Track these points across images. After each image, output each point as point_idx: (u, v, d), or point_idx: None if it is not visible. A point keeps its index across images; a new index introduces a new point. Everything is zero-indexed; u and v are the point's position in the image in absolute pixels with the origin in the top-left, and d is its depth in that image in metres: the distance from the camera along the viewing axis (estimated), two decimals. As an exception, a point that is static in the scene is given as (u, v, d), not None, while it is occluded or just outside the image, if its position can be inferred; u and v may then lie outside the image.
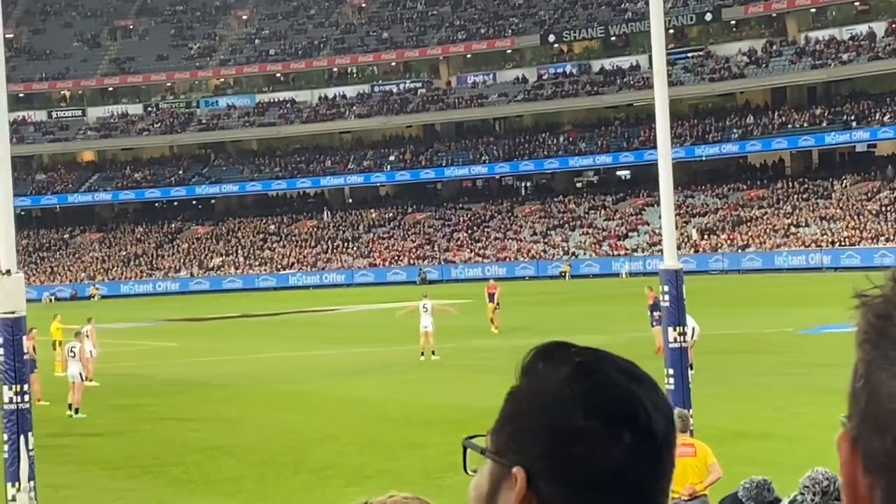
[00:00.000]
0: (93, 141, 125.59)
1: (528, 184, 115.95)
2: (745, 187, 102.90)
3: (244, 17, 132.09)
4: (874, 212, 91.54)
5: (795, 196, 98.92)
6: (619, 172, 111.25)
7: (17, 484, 13.23)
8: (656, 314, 43.35)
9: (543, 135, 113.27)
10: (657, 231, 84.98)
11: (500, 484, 2.08)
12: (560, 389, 2.06)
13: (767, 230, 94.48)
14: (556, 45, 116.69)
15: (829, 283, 61.77)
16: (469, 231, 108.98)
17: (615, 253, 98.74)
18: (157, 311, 79.30)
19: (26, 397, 13.81)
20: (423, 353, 45.89)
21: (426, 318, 46.46)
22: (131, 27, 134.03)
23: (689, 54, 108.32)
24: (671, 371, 17.67)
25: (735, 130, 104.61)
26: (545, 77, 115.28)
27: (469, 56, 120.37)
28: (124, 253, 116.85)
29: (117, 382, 42.19)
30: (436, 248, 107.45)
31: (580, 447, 2.02)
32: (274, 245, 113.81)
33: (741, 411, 29.18)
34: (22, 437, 13.41)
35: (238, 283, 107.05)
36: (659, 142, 18.26)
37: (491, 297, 56.22)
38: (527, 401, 2.11)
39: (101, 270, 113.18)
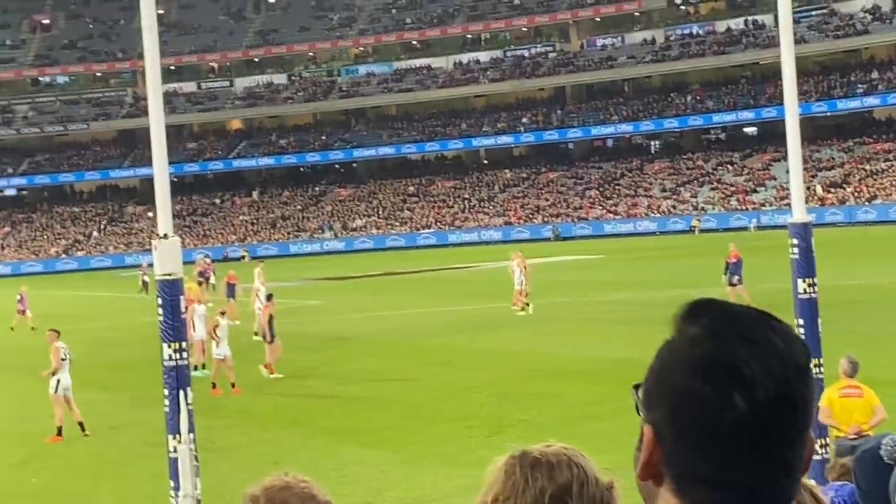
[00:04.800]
0: (240, 110, 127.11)
1: (657, 142, 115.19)
2: (870, 141, 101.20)
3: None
4: None
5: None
6: (745, 129, 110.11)
7: (177, 436, 13.46)
8: (735, 278, 43.17)
9: (671, 94, 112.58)
10: (784, 186, 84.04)
11: (643, 432, 2.11)
12: (684, 352, 2.06)
13: (894, 183, 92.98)
14: (682, 7, 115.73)
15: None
16: (600, 189, 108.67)
17: (743, 208, 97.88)
18: (303, 271, 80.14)
19: (184, 354, 14.00)
20: (517, 306, 46.50)
21: (520, 276, 47.34)
22: (274, 0, 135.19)
23: (814, 12, 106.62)
24: (801, 321, 17.53)
25: (860, 86, 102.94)
26: (672, 38, 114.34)
27: (598, 19, 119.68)
28: (272, 216, 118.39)
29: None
30: (569, 206, 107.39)
31: (696, 410, 2.02)
32: (413, 206, 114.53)
33: (870, 360, 28.78)
34: (181, 392, 13.63)
35: (401, 241, 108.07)
36: (786, 98, 18.08)
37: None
38: (660, 360, 2.12)
39: (251, 233, 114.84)
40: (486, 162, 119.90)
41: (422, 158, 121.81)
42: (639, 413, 2.15)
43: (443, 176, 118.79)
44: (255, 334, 42.81)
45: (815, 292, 18.22)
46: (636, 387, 2.14)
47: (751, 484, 2.04)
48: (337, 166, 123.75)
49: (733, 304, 2.11)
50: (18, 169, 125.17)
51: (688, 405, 2.03)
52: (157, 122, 14.17)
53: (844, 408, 16.86)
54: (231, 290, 51.33)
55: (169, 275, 13.79)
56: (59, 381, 26.79)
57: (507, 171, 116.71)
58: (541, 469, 3.13)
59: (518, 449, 3.16)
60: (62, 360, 27.03)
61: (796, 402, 2.03)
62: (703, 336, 2.05)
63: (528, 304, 46.51)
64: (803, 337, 13.75)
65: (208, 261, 70.24)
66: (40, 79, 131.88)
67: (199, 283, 56.34)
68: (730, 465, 2.02)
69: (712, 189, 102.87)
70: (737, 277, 42.93)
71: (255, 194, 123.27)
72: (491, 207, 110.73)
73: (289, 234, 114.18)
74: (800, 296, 17.96)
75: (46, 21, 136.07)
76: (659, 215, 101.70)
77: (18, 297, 56.21)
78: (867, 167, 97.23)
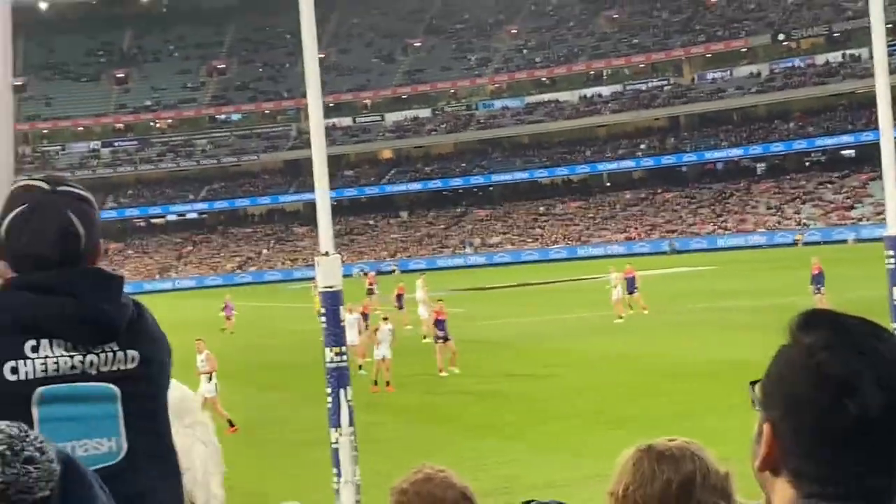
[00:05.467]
0: (390, 141, 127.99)
1: (763, 164, 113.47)
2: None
3: (514, 31, 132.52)
4: None
5: None
6: (844, 152, 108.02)
7: (339, 429, 13.62)
8: (819, 287, 41.85)
9: (776, 121, 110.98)
10: (880, 202, 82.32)
11: (761, 427, 2.09)
12: (800, 360, 2.04)
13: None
14: (784, 43, 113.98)
15: None
16: (712, 207, 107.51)
17: (842, 223, 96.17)
18: (448, 283, 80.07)
19: (344, 357, 14.08)
20: (620, 317, 46.55)
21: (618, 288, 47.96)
22: (420, 44, 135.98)
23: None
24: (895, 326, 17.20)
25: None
26: (776, 71, 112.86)
27: (708, 56, 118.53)
28: (419, 234, 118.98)
29: (418, 344, 42.72)
30: (683, 223, 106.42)
31: (810, 415, 2.00)
32: (543, 224, 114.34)
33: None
34: (342, 390, 13.76)
35: (534, 255, 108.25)
36: (881, 123, 17.82)
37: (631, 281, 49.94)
38: (777, 364, 2.09)
39: (400, 249, 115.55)
40: (608, 184, 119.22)
41: (551, 182, 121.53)
42: (755, 408, 2.14)
43: (570, 197, 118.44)
44: (424, 338, 43.22)
45: (908, 300, 17.86)
46: (753, 384, 2.12)
47: (860, 482, 2.03)
48: (475, 190, 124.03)
49: (846, 316, 2.09)
50: (199, 195, 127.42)
51: (803, 410, 2.01)
52: (318, 153, 14.35)
53: None
54: (399, 300, 51.67)
55: (330, 287, 13.93)
56: (216, 384, 27.22)
57: (627, 192, 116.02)
58: (666, 461, 3.11)
59: (644, 443, 3.16)
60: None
61: None
62: (817, 346, 2.02)
63: (621, 316, 46.55)
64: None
65: (373, 274, 71.09)
66: (217, 116, 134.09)
67: (369, 294, 56.99)
68: (842, 465, 2.01)
69: (814, 206, 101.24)
70: (820, 287, 42.10)
71: (403, 215, 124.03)
72: (613, 225, 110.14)
73: (434, 249, 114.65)
74: (895, 303, 17.67)
75: (222, 66, 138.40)
76: (766, 230, 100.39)
77: (224, 304, 57.56)
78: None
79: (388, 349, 32.79)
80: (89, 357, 3.18)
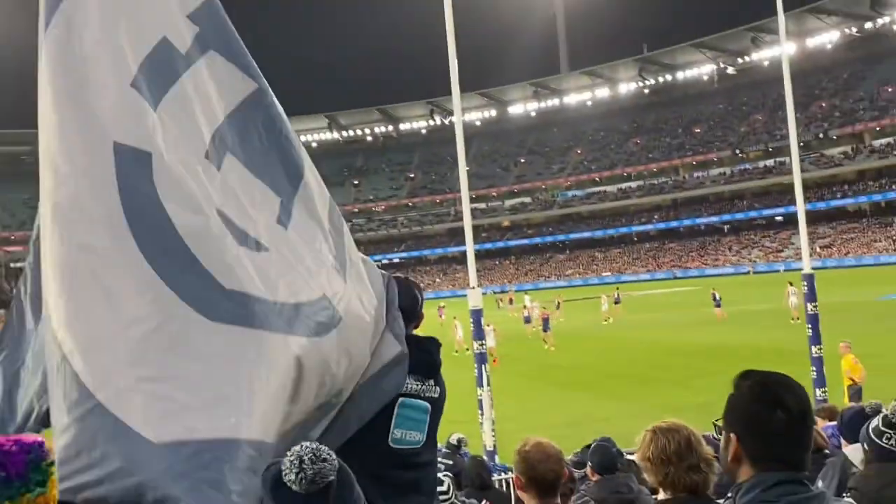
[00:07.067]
0: (507, 216, 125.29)
1: (728, 226, 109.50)
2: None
3: (578, 151, 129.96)
4: None
5: None
6: (776, 218, 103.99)
7: (481, 388, 13.08)
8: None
9: (735, 200, 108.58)
10: (799, 248, 79.72)
11: (727, 439, 2.12)
12: (746, 393, 2.07)
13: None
14: (739, 154, 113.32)
15: None
16: (698, 251, 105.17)
17: (776, 260, 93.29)
18: (542, 297, 68.94)
19: (483, 346, 13.36)
20: (606, 320, 40.35)
21: (604, 304, 41.54)
22: (524, 160, 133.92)
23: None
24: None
25: None
26: (735, 171, 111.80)
27: (694, 163, 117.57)
28: (524, 269, 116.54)
29: (528, 333, 38.24)
30: (679, 260, 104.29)
31: (758, 423, 2.02)
32: (598, 263, 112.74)
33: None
34: (483, 365, 13.21)
35: (595, 281, 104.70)
36: (797, 201, 16.95)
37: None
38: (732, 401, 2.11)
39: (513, 278, 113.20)
40: (636, 239, 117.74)
41: (602, 238, 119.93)
42: (719, 434, 2.16)
43: (613, 247, 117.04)
44: (534, 328, 38.07)
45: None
46: (715, 423, 1.89)
47: (792, 457, 2.06)
48: (558, 243, 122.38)
49: (763, 371, 2.09)
50: (400, 249, 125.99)
51: (753, 422, 2.00)
52: (467, 224, 13.61)
53: None
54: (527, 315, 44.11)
55: (476, 307, 13.25)
56: None
57: (647, 243, 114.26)
58: (671, 432, 3.07)
59: (651, 426, 3.09)
60: None
61: (807, 412, 2.05)
62: (756, 385, 2.04)
63: (607, 320, 40.40)
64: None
65: (513, 291, 68.23)
66: (409, 203, 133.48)
67: (510, 302, 51.60)
68: (780, 448, 2.03)
69: (759, 250, 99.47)
70: (719, 304, 37.58)
71: (513, 258, 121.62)
72: (639, 263, 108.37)
73: (533, 278, 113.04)
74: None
75: (412, 175, 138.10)
76: (731, 265, 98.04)
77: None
78: None
79: (493, 341, 29.27)
80: (423, 386, 3.25)
